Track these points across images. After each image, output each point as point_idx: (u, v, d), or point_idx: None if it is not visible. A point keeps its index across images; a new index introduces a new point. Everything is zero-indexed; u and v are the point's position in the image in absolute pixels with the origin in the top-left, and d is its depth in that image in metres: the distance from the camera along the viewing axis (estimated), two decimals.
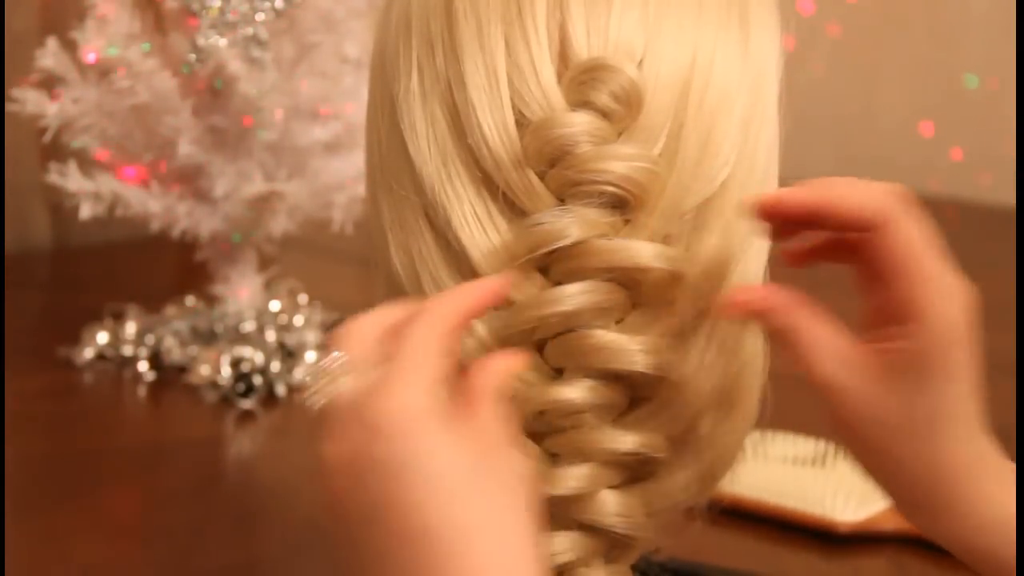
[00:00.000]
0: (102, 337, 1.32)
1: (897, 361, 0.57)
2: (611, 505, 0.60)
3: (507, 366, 0.57)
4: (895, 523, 0.97)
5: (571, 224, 0.58)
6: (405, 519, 0.51)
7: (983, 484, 0.58)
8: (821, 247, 0.61)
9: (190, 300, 1.37)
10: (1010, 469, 0.59)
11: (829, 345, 0.57)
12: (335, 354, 0.54)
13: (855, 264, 0.59)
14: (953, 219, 1.79)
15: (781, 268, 0.64)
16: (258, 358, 1.25)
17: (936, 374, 0.56)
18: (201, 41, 1.20)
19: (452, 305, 0.56)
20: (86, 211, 1.24)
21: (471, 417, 0.54)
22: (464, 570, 0.51)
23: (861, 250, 0.58)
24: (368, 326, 0.55)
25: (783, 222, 0.58)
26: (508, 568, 0.52)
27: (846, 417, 0.58)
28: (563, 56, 0.59)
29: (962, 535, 0.59)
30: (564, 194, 0.58)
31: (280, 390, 1.24)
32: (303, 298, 1.37)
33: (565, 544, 0.59)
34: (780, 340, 0.58)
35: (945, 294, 0.56)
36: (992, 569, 0.58)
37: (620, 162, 0.57)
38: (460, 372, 0.56)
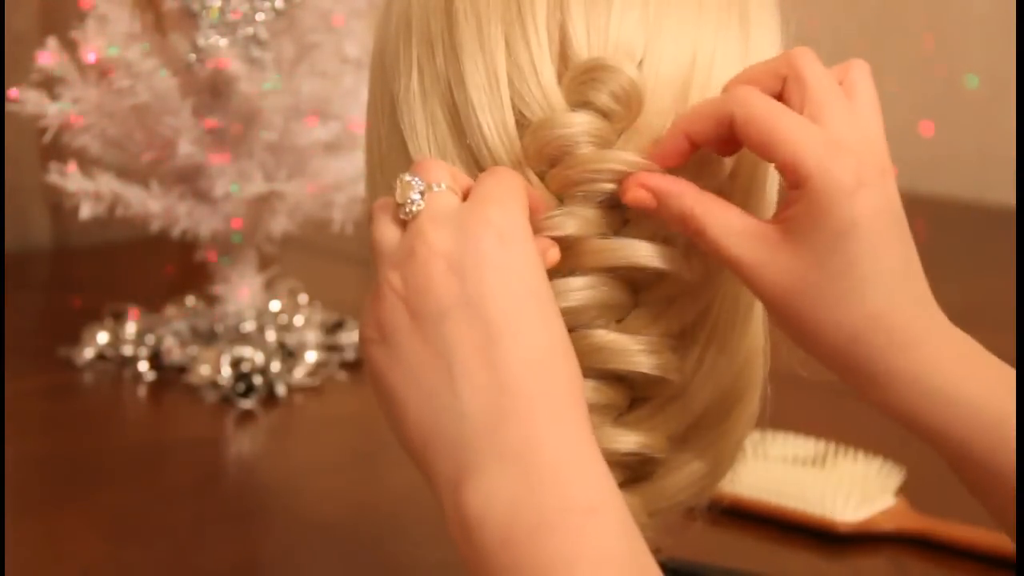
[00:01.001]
0: (102, 337, 1.32)
1: (793, 225, 0.56)
2: None
3: (554, 251, 0.58)
4: (895, 523, 0.97)
5: (568, 219, 0.58)
6: (496, 308, 0.52)
7: (923, 351, 0.56)
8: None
9: (190, 300, 1.37)
10: (964, 340, 0.57)
11: (732, 223, 0.57)
12: (412, 177, 0.56)
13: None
14: (953, 219, 1.79)
15: None
16: (258, 358, 1.25)
17: (829, 230, 0.55)
18: (201, 41, 1.20)
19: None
20: (86, 211, 1.24)
21: None
22: (536, 367, 0.52)
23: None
24: (442, 164, 0.57)
25: (682, 160, 0.58)
26: (571, 380, 0.53)
27: (766, 292, 0.57)
28: (563, 56, 0.59)
29: (904, 407, 0.57)
30: (564, 194, 0.58)
31: (280, 390, 1.24)
32: (303, 298, 1.37)
33: None
34: (683, 227, 0.58)
35: (816, 149, 0.55)
36: (943, 445, 0.57)
37: (621, 164, 0.58)
38: None
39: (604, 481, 0.52)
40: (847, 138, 0.56)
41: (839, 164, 0.55)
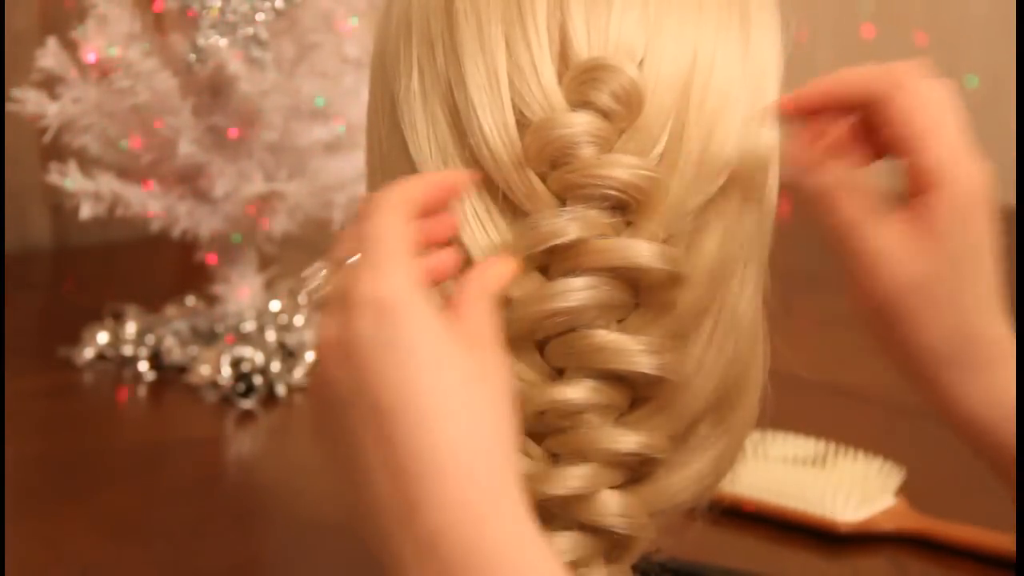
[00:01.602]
0: (102, 337, 1.32)
1: (922, 226, 0.57)
2: (612, 505, 0.60)
3: (501, 271, 0.56)
4: (895, 523, 0.97)
5: (571, 223, 0.58)
6: (384, 394, 0.50)
7: (1000, 360, 0.58)
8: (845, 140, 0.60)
9: (190, 300, 1.37)
10: (1011, 351, 0.59)
11: (863, 214, 0.58)
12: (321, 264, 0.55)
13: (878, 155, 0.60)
14: None
15: (781, 263, 0.64)
16: (258, 358, 1.25)
17: (956, 237, 0.57)
18: (201, 41, 1.20)
19: (403, 193, 0.55)
20: (86, 211, 1.24)
21: (461, 316, 0.54)
22: (436, 450, 0.50)
23: (880, 132, 0.58)
24: (350, 232, 0.55)
25: (808, 116, 0.59)
26: (481, 455, 0.51)
27: (879, 280, 0.58)
28: (563, 56, 0.59)
29: (971, 407, 0.59)
30: (565, 196, 0.58)
31: (280, 390, 1.24)
32: (303, 298, 1.37)
33: (566, 544, 0.59)
34: (820, 201, 0.59)
35: (963, 161, 0.57)
36: (986, 444, 0.59)
37: (624, 169, 0.58)
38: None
39: (524, 558, 0.50)
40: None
41: (975, 177, 0.57)
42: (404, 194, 0.55)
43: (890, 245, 0.58)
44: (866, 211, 0.58)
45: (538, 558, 0.50)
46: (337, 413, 0.52)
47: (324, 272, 0.54)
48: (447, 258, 0.57)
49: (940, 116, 0.57)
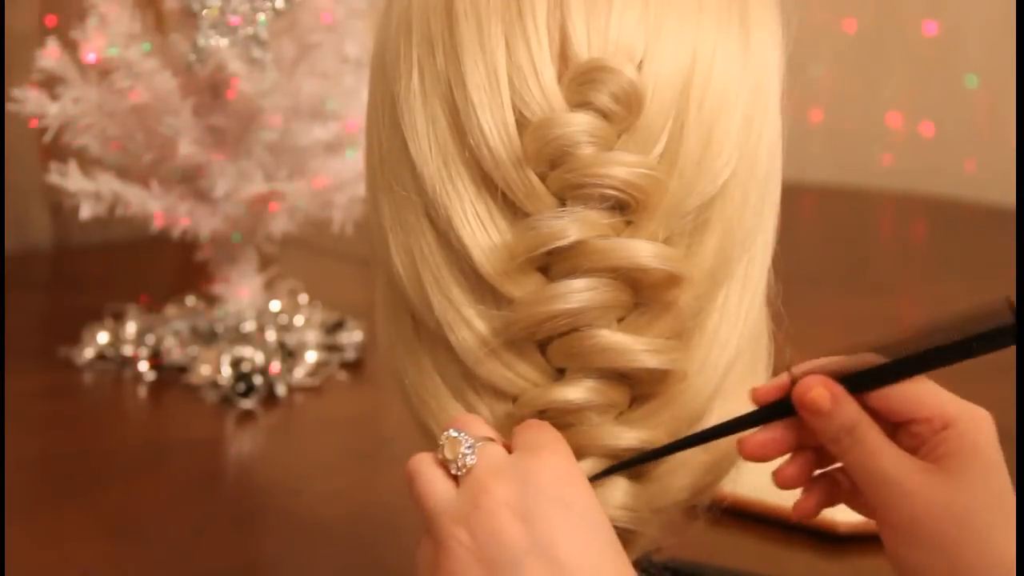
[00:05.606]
0: (102, 337, 1.32)
1: (944, 458, 0.59)
2: (614, 498, 0.60)
3: None
4: None
5: (571, 224, 0.58)
6: (562, 549, 0.54)
7: None
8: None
9: (190, 300, 1.37)
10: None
11: (889, 445, 0.59)
12: (458, 433, 0.58)
13: None
14: (953, 219, 1.79)
15: (781, 262, 0.64)
16: (258, 358, 1.24)
17: (978, 467, 0.58)
18: (201, 41, 1.20)
19: None
20: (86, 211, 1.24)
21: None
22: None
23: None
24: (480, 419, 0.60)
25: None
26: None
27: (905, 509, 0.59)
28: (563, 56, 0.59)
29: None
30: (565, 196, 0.58)
31: (280, 390, 1.24)
32: (303, 298, 1.37)
33: None
34: (845, 434, 0.60)
35: (969, 407, 0.59)
36: None
37: (623, 167, 0.57)
38: None
39: None
40: None
41: (982, 417, 0.59)
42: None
43: (915, 477, 0.59)
44: (890, 444, 0.60)
45: None
46: (507, 569, 0.55)
47: (466, 446, 0.57)
48: None
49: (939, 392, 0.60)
